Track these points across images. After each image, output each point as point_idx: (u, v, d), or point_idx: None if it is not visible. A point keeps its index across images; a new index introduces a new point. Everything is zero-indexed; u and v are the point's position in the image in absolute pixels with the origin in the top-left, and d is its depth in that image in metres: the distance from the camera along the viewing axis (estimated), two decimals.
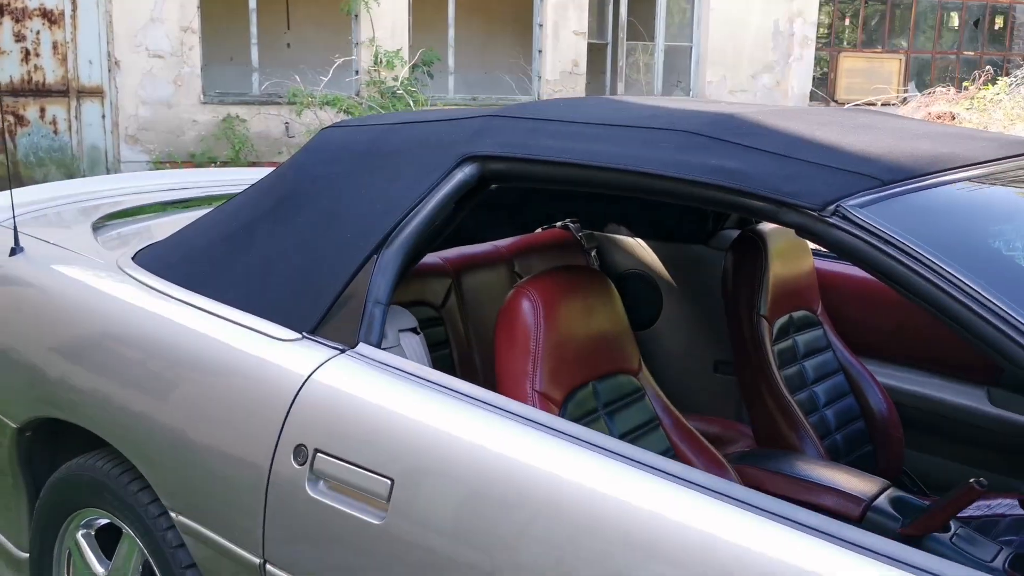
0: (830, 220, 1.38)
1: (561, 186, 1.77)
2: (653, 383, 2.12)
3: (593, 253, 3.04)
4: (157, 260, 2.07)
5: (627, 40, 12.71)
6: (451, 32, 11.39)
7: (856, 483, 2.07)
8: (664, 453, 2.04)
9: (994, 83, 11.33)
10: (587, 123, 1.80)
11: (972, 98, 10.81)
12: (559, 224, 3.06)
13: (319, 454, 1.61)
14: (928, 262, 1.32)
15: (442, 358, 2.50)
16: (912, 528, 1.91)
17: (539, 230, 3.08)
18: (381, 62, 10.48)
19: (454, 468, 1.51)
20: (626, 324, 2.08)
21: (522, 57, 11.88)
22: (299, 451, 1.62)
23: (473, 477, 1.49)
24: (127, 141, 9.75)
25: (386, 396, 1.63)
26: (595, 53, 12.50)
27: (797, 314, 2.58)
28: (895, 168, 1.45)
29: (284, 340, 1.77)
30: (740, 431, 2.86)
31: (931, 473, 2.72)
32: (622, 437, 1.98)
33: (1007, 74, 12.29)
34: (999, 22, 14.59)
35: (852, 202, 1.38)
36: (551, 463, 1.45)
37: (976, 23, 14.78)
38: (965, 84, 11.89)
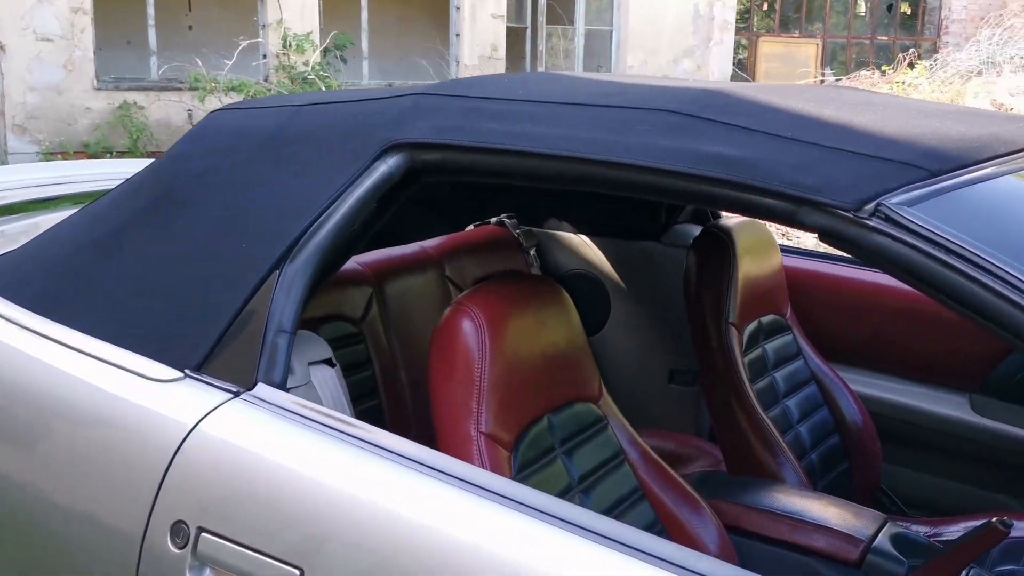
0: (869, 222, 1.07)
1: (511, 180, 1.43)
2: (616, 410, 1.80)
3: (532, 252, 2.70)
4: (2, 277, 1.65)
5: (546, 24, 12.40)
6: (364, 15, 10.89)
7: (850, 519, 1.79)
8: (631, 493, 1.73)
9: (912, 68, 11.37)
10: (540, 102, 1.46)
11: (892, 82, 10.81)
12: (493, 220, 2.72)
13: (204, 534, 1.23)
14: (1008, 276, 1.02)
15: (363, 380, 2.13)
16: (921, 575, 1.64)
17: (470, 227, 2.73)
18: (290, 46, 9.94)
19: (382, 550, 1.16)
20: (584, 341, 1.76)
21: (439, 41, 11.45)
22: (178, 530, 1.25)
23: (409, 562, 1.14)
24: (14, 131, 9.02)
25: (293, 454, 1.26)
26: (514, 37, 12.16)
27: (766, 319, 2.29)
28: (941, 155, 1.15)
29: (161, 381, 1.38)
30: (699, 447, 2.57)
31: (910, 490, 2.47)
32: (584, 479, 1.66)
33: (919, 58, 12.40)
34: (909, 8, 14.75)
35: (896, 199, 1.07)
36: (505, 541, 1.11)
37: (889, 8, 14.92)
38: (884, 68, 11.92)
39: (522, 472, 1.54)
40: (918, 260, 1.04)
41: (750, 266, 2.20)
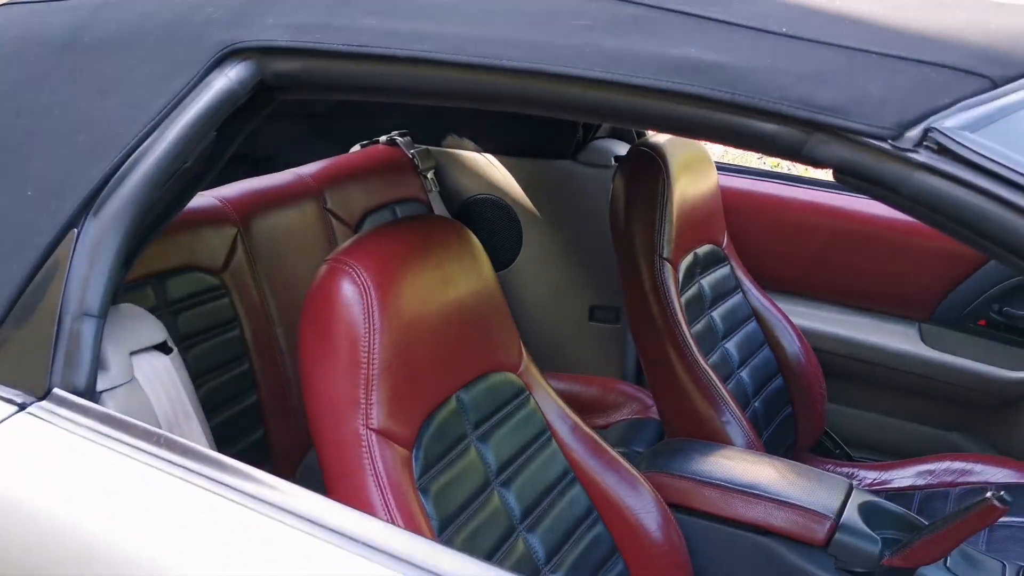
0: (914, 155, 0.75)
1: (397, 97, 1.06)
2: (539, 376, 1.48)
3: (430, 176, 2.32)
4: None
5: None
6: None
7: (812, 489, 1.53)
8: (561, 478, 1.42)
9: None
10: None
11: None
12: (383, 139, 2.32)
13: None
14: None
15: (229, 343, 1.75)
16: (902, 559, 1.40)
17: (356, 148, 2.33)
18: None
19: None
20: (500, 296, 1.42)
21: None
22: None
23: None
24: None
25: (104, 488, 0.90)
26: None
27: (702, 250, 1.99)
28: (1004, 57, 0.82)
29: None
30: (624, 392, 2.30)
31: (855, 431, 2.26)
32: (504, 467, 1.34)
33: None
34: None
35: (952, 120, 0.75)
36: None
37: None
38: None
39: (427, 474, 1.21)
40: (985, 209, 0.73)
41: (686, 190, 1.88)
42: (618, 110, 0.87)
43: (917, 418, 2.18)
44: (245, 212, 1.82)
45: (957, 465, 1.96)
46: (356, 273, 1.15)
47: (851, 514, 1.49)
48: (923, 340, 2.15)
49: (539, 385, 1.47)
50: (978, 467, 1.94)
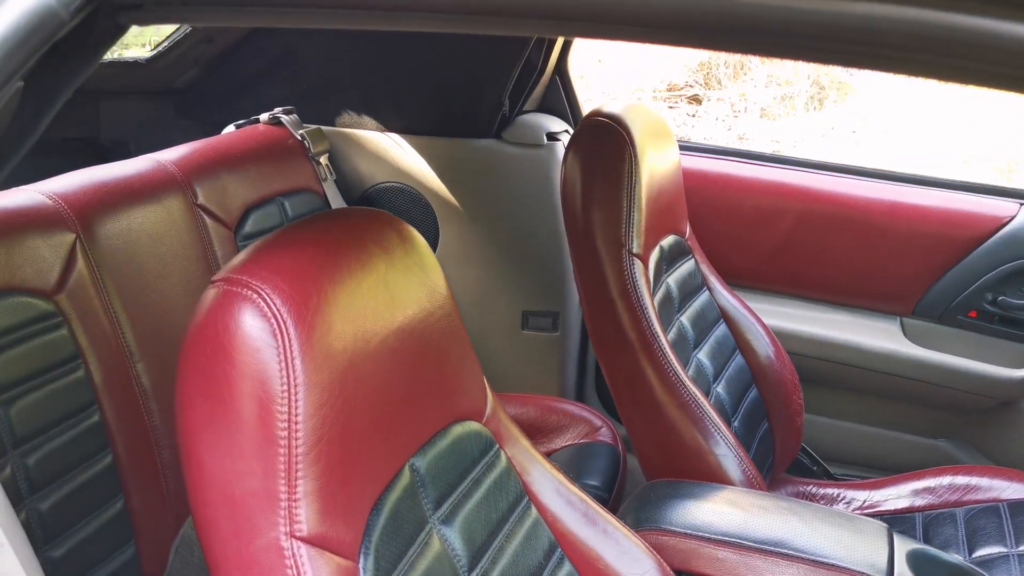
0: None
1: (350, 21, 0.65)
2: (508, 421, 1.11)
3: (324, 161, 1.90)
4: None
5: None
6: None
7: (851, 541, 1.22)
8: (547, 556, 1.05)
9: None
10: None
11: None
12: (264, 118, 1.88)
13: None
14: None
15: (71, 388, 1.30)
16: None
17: (230, 128, 1.88)
18: None
19: None
20: (457, 318, 1.03)
21: None
22: None
23: None
24: None
25: None
26: None
27: (667, 241, 1.65)
28: None
29: None
30: (566, 412, 1.94)
31: (831, 443, 1.98)
32: (479, 555, 0.96)
33: None
34: None
35: None
36: None
37: None
38: None
39: None
40: None
41: (652, 170, 1.54)
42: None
43: (901, 426, 1.92)
44: (86, 212, 1.36)
45: (960, 480, 1.70)
46: (264, 300, 0.75)
47: (902, 570, 1.18)
48: (906, 337, 1.88)
49: (509, 434, 1.09)
50: (984, 481, 1.69)
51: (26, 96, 0.67)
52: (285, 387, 0.74)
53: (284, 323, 0.75)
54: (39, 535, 1.24)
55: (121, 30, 0.68)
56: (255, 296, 0.75)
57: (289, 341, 0.75)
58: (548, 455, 1.87)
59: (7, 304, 1.22)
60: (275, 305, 0.75)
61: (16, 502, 1.21)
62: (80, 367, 1.31)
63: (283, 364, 0.74)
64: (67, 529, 1.28)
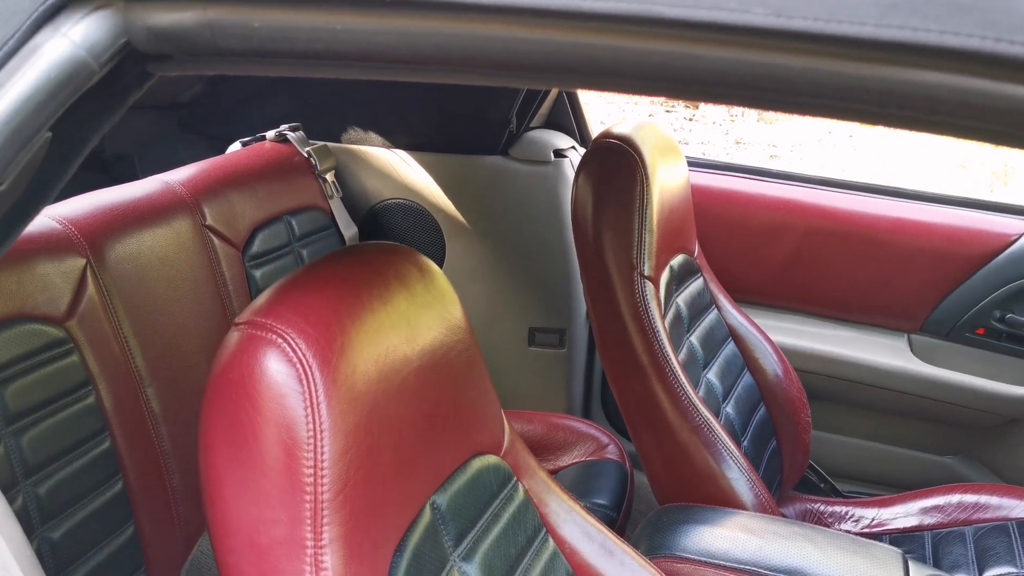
0: None
1: (368, 71, 0.65)
2: (525, 452, 1.10)
3: (330, 178, 1.89)
4: None
5: None
6: None
7: (866, 568, 1.22)
8: None
9: None
10: None
11: None
12: (270, 135, 1.87)
13: None
14: None
15: (82, 415, 1.29)
16: None
17: (235, 147, 1.87)
18: None
19: None
20: (476, 350, 1.03)
21: None
22: None
23: None
24: None
25: None
26: None
27: (676, 261, 1.65)
28: None
29: None
30: (573, 430, 1.94)
31: (838, 459, 1.98)
32: None
33: None
34: None
35: None
36: None
37: None
38: None
39: None
40: None
41: (663, 191, 1.54)
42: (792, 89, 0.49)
43: (909, 443, 1.92)
44: (96, 236, 1.35)
45: (969, 499, 1.70)
46: (289, 344, 0.74)
47: None
48: (914, 354, 1.88)
49: (527, 466, 1.09)
50: (993, 500, 1.69)
51: (53, 145, 0.67)
52: (311, 433, 0.74)
53: (310, 368, 0.74)
54: (51, 564, 1.23)
55: (149, 77, 0.68)
56: (280, 340, 0.74)
57: (315, 386, 0.74)
58: (555, 472, 1.87)
59: (18, 332, 1.21)
60: (300, 349, 0.74)
61: (28, 532, 1.20)
62: (91, 393, 1.30)
63: (309, 409, 0.74)
64: (79, 557, 1.27)
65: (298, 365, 0.74)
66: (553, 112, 2.00)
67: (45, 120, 0.62)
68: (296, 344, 0.75)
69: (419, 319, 0.90)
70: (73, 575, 1.26)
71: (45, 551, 1.22)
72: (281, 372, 0.74)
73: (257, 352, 0.74)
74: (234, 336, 0.76)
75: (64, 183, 0.70)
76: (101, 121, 0.68)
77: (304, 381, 0.74)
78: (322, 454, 0.74)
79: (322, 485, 0.74)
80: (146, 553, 1.37)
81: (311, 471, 0.74)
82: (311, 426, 0.74)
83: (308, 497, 0.74)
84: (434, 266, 0.99)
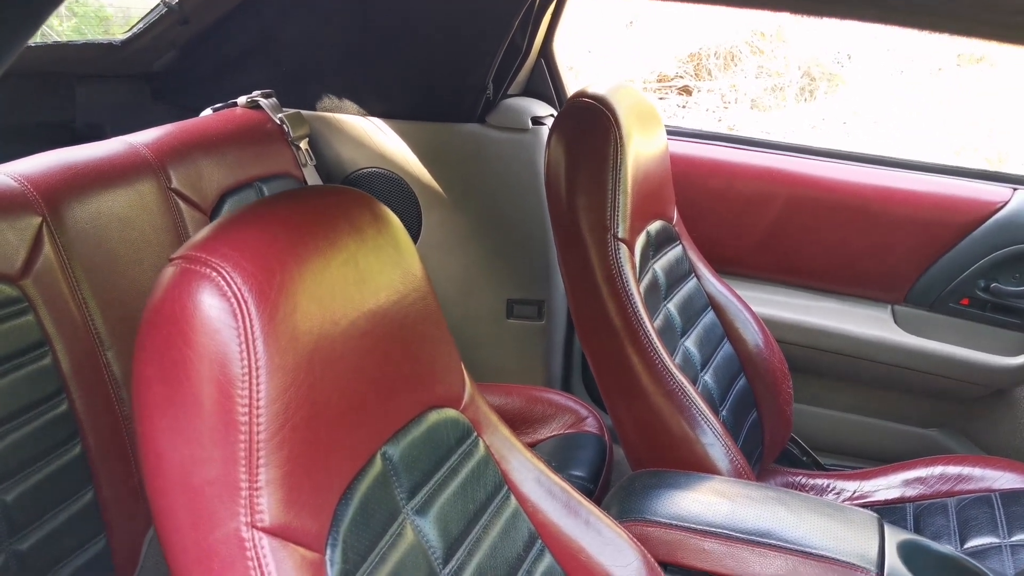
0: None
1: None
2: (487, 409, 1.07)
3: (304, 145, 1.86)
4: None
5: None
6: None
7: (841, 532, 1.19)
8: (527, 548, 1.02)
9: None
10: None
11: None
12: (242, 101, 1.84)
13: None
14: None
15: (38, 375, 1.25)
16: None
17: (207, 112, 1.83)
18: None
19: None
20: (433, 301, 1.00)
21: None
22: None
23: None
24: None
25: None
26: None
27: (653, 227, 1.62)
28: None
29: None
30: (551, 402, 1.91)
31: (820, 433, 1.95)
32: (455, 546, 0.92)
33: None
34: None
35: None
36: None
37: None
38: None
39: None
40: None
41: (639, 153, 1.50)
42: None
43: (892, 415, 1.89)
44: (54, 195, 1.32)
45: (952, 470, 1.67)
46: (224, 278, 0.71)
47: (893, 562, 1.15)
48: (897, 325, 1.85)
49: (489, 421, 1.06)
50: (976, 471, 1.66)
51: None
52: (246, 370, 0.70)
53: (245, 302, 0.71)
54: (4, 528, 1.20)
55: None
56: (214, 274, 0.71)
57: (251, 321, 0.71)
58: (533, 446, 1.84)
59: None
60: (235, 284, 0.71)
61: None
62: (47, 354, 1.26)
63: (243, 346, 0.70)
64: (35, 521, 1.24)
65: (232, 300, 0.71)
66: (531, 80, 1.97)
67: None
68: (231, 278, 0.71)
69: (369, 264, 0.86)
70: (28, 540, 1.23)
71: None
72: (215, 307, 0.70)
73: (190, 287, 0.71)
74: (168, 271, 0.73)
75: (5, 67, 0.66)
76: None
77: (239, 316, 0.70)
78: (258, 392, 0.71)
79: (258, 425, 0.71)
80: (106, 519, 1.34)
81: (246, 409, 0.70)
82: (246, 363, 0.70)
83: (243, 437, 0.70)
84: (392, 216, 0.95)
